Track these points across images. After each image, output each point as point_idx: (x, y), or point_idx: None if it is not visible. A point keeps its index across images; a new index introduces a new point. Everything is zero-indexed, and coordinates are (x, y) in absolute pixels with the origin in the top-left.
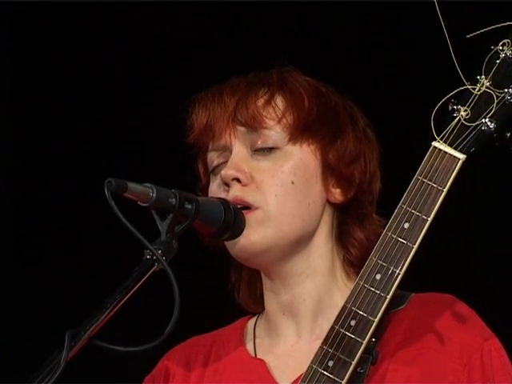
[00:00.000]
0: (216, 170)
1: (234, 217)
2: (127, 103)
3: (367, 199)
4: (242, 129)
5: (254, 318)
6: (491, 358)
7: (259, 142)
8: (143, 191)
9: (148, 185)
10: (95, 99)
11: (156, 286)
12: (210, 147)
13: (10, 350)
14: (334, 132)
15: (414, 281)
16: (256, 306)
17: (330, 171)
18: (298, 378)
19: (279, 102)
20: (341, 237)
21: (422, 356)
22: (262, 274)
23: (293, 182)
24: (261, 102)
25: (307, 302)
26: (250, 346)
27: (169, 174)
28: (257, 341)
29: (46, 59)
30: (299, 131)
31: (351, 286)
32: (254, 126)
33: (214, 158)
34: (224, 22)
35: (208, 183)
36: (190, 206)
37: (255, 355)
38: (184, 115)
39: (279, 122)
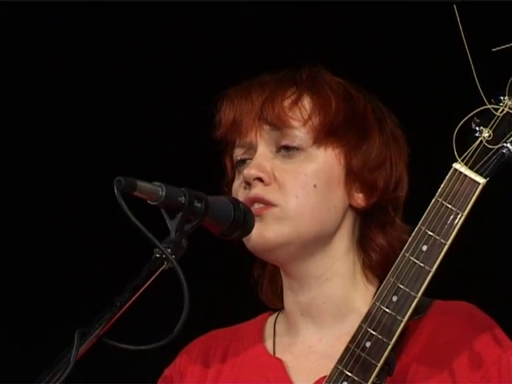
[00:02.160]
0: (240, 167)
1: (243, 215)
2: (132, 101)
3: (391, 205)
4: (267, 127)
5: (275, 315)
6: (509, 369)
7: (284, 141)
8: (152, 190)
9: (157, 183)
10: (99, 96)
11: (166, 284)
12: (237, 143)
13: (11, 350)
14: (359, 137)
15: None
16: (278, 303)
17: (354, 176)
18: (316, 383)
19: (306, 103)
20: (362, 241)
21: (440, 367)
22: (282, 272)
23: (315, 186)
24: (288, 102)
25: (326, 305)
26: (269, 344)
27: (178, 173)
28: (276, 338)
29: (46, 58)
30: (324, 134)
31: (372, 288)
32: (279, 125)
33: (239, 154)
34: (240, 22)
35: (233, 179)
36: (199, 205)
37: (274, 353)
38: (211, 111)
39: (305, 123)
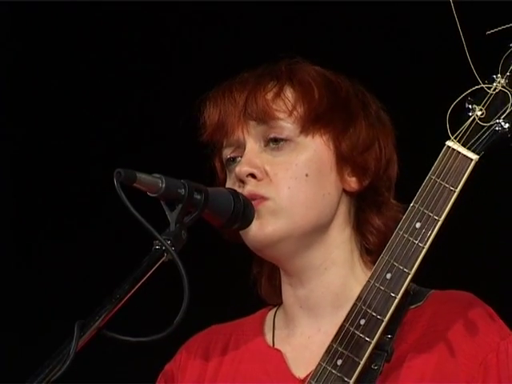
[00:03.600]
0: (231, 166)
1: (243, 207)
2: (131, 97)
3: (384, 185)
4: (253, 123)
5: (274, 309)
6: (508, 356)
7: (271, 134)
8: (152, 181)
9: (157, 175)
10: (97, 93)
11: (166, 276)
12: (225, 144)
13: (12, 346)
14: (345, 121)
15: (430, 278)
16: (277, 298)
17: (344, 160)
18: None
19: (289, 94)
20: (358, 225)
21: (438, 354)
22: (280, 269)
23: (307, 175)
24: (270, 95)
25: (325, 296)
26: (268, 337)
27: (177, 165)
28: (276, 332)
29: (46, 57)
30: (311, 122)
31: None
32: (264, 119)
33: (228, 153)
34: (227, 19)
35: (225, 179)
36: (199, 197)
37: (273, 345)
38: (196, 114)
39: (290, 114)
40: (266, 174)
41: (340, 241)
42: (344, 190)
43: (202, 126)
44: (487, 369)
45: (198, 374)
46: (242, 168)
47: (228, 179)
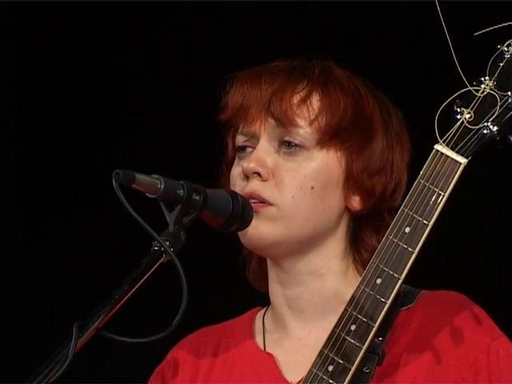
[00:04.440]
0: (241, 153)
1: (241, 208)
2: (131, 98)
3: (387, 208)
4: (272, 122)
5: (263, 310)
6: (498, 357)
7: (286, 137)
8: (151, 182)
9: (156, 176)
10: (97, 93)
11: (164, 277)
12: (240, 130)
13: (12, 346)
14: (363, 140)
15: (421, 277)
16: (265, 284)
17: (352, 180)
18: None
19: (315, 101)
20: (355, 241)
21: (429, 357)
22: (269, 264)
23: (312, 187)
24: (296, 98)
25: (316, 299)
26: (259, 340)
27: (176, 166)
28: (266, 334)
29: (47, 56)
30: (329, 136)
31: None
32: (284, 122)
33: (241, 140)
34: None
35: (233, 160)
36: (198, 198)
37: (264, 348)
38: (220, 92)
39: (311, 123)
40: (273, 176)
41: (337, 252)
42: (346, 207)
43: (224, 106)
44: (478, 370)
45: (190, 378)
46: (249, 164)
47: (235, 164)
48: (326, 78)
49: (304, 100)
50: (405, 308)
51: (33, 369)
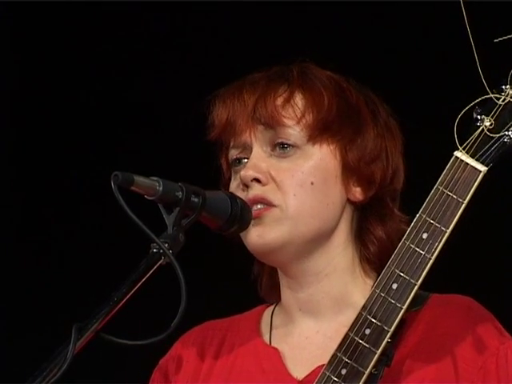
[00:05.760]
0: (237, 166)
1: (240, 210)
2: (131, 98)
3: (389, 196)
4: (261, 127)
5: (271, 307)
6: (507, 361)
7: (278, 139)
8: (150, 184)
9: (154, 178)
10: (97, 93)
11: (163, 279)
12: (232, 144)
13: (12, 346)
14: (354, 131)
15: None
16: (276, 297)
17: (350, 171)
18: (312, 372)
19: (298, 100)
20: (360, 233)
21: (437, 359)
22: (280, 272)
23: (312, 183)
24: (280, 100)
25: (325, 300)
26: (265, 335)
27: (175, 168)
28: (273, 331)
29: (47, 56)
30: (319, 131)
31: (370, 282)
32: (272, 125)
33: (234, 154)
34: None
35: (230, 179)
36: (196, 200)
37: (270, 343)
38: (204, 112)
39: (299, 122)
40: (272, 179)
41: (341, 248)
42: (348, 200)
43: (210, 125)
44: (487, 373)
45: (194, 369)
46: (246, 172)
47: (233, 180)
48: (305, 78)
49: (287, 100)
50: (414, 310)
51: (32, 369)
